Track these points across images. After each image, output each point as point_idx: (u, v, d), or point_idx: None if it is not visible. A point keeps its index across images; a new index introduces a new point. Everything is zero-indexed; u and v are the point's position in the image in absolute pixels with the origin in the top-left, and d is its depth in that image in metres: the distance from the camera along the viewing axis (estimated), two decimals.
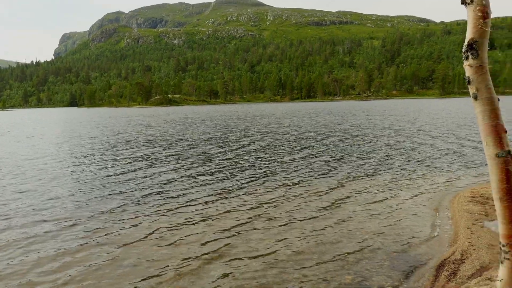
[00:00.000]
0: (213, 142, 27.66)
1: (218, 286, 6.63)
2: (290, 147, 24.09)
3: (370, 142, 25.94)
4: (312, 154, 20.98)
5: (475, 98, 2.53)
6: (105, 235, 9.12)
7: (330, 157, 19.82)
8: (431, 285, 6.64)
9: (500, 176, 2.43)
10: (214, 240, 8.63)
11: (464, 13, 2.75)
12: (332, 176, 15.28)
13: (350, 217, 10.06)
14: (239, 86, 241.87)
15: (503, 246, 2.45)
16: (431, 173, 15.49)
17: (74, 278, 6.98)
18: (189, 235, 8.99)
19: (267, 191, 12.92)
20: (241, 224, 9.70)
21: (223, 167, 17.58)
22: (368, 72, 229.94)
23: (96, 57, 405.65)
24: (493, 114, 2.48)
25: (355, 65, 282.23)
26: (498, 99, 2.51)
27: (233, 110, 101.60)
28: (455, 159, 18.36)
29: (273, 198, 12.01)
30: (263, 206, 11.17)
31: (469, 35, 2.57)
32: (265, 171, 16.43)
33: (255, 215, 10.37)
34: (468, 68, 2.57)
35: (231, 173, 16.26)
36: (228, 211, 10.77)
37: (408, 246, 8.13)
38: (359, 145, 24.57)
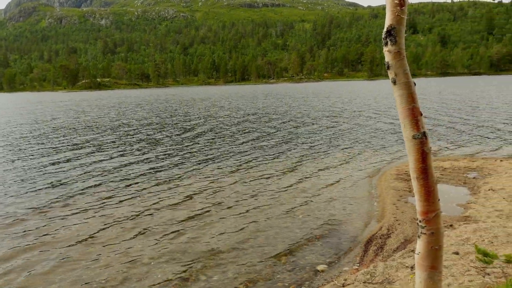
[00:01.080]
0: (154, 127, 26.95)
1: (158, 273, 6.54)
2: (234, 130, 24.08)
3: (304, 124, 26.57)
4: (256, 137, 21.12)
5: (394, 82, 2.64)
6: (44, 235, 8.63)
7: (266, 140, 20.07)
8: (361, 260, 7.00)
9: (416, 156, 2.57)
10: (161, 231, 8.48)
11: None
12: (266, 159, 15.50)
13: (281, 200, 10.28)
14: (172, 69, 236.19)
15: (420, 221, 2.61)
16: (362, 152, 16.20)
17: (12, 281, 6.57)
18: (133, 228, 8.76)
19: (213, 177, 12.86)
20: (187, 211, 9.60)
21: (168, 153, 17.22)
22: (301, 55, 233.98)
23: (15, 38, 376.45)
24: (410, 98, 2.60)
25: (288, 47, 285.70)
26: (415, 84, 2.64)
27: (169, 94, 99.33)
28: (383, 139, 19.33)
29: (217, 183, 11.98)
30: (208, 192, 11.11)
31: (387, 21, 2.66)
32: (210, 156, 16.32)
33: (200, 202, 10.30)
34: (387, 53, 2.66)
35: (178, 158, 15.97)
36: (178, 198, 10.61)
37: (339, 224, 8.49)
38: (294, 127, 25.09)
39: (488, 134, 19.79)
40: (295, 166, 13.93)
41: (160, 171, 13.71)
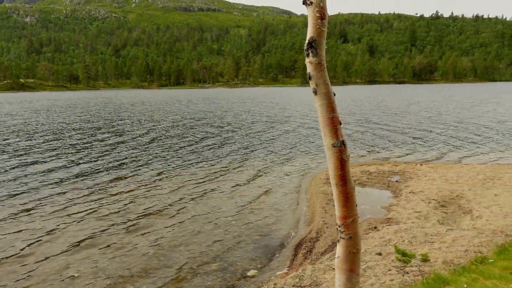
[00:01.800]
0: (87, 132, 25.73)
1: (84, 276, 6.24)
2: (169, 135, 23.60)
3: (239, 129, 26.70)
4: (191, 142, 20.85)
5: (315, 93, 2.72)
6: None
7: (201, 145, 19.93)
8: (290, 264, 7.15)
9: (336, 164, 2.68)
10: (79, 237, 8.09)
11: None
12: (200, 164, 15.39)
13: (214, 205, 10.26)
14: (103, 71, 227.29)
15: (339, 226, 2.71)
16: (293, 157, 16.57)
17: None
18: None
19: (145, 182, 12.50)
20: (119, 218, 9.25)
21: (100, 159, 16.50)
22: (236, 60, 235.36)
23: None
24: (330, 108, 2.69)
25: (223, 52, 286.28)
26: (334, 94, 2.74)
27: (100, 97, 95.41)
28: (313, 143, 19.91)
29: (149, 189, 11.67)
30: (139, 199, 10.78)
31: (309, 34, 2.75)
32: (143, 162, 15.86)
33: (122, 209, 9.97)
34: (309, 64, 2.75)
35: (111, 164, 15.35)
36: (111, 206, 10.18)
37: (270, 229, 8.61)
38: (229, 132, 25.12)
39: (410, 139, 21.05)
40: (227, 171, 13.95)
41: (92, 177, 13.15)
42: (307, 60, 2.76)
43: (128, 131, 25.80)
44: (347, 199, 2.72)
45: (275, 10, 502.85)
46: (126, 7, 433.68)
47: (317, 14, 2.72)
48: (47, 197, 10.94)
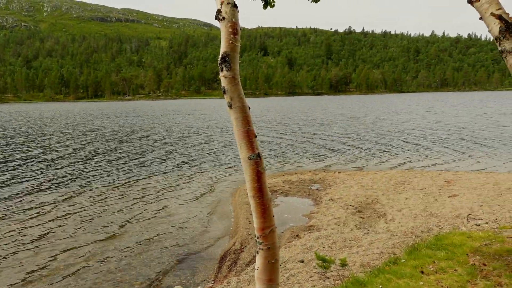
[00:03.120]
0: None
1: None
2: (89, 151, 22.41)
3: (162, 142, 26.16)
4: (114, 158, 19.97)
5: (230, 106, 2.75)
6: None
7: (125, 160, 19.22)
8: (215, 277, 7.09)
9: (252, 176, 2.72)
10: None
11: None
12: (122, 180, 14.84)
13: (138, 220, 9.94)
14: (12, 83, 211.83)
15: (257, 238, 2.74)
16: (217, 170, 16.54)
17: None
18: None
19: (65, 200, 11.72)
20: (35, 237, 8.55)
21: (20, 176, 15.20)
22: (157, 72, 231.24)
23: None
24: (245, 121, 2.74)
25: (144, 64, 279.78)
26: (249, 107, 2.78)
27: (15, 111, 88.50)
28: (235, 155, 20.05)
29: (68, 208, 10.96)
30: (62, 217, 10.08)
31: (222, 48, 2.78)
32: (64, 177, 14.87)
33: (51, 227, 9.27)
34: (223, 79, 2.77)
35: (32, 181, 14.18)
36: (28, 222, 9.36)
37: (195, 243, 8.49)
38: (152, 145, 24.51)
39: (327, 149, 21.99)
40: (151, 186, 13.59)
41: (27, 197, 12.11)
42: (221, 74, 2.79)
43: (56, 147, 24.21)
44: (264, 211, 2.77)
45: (196, 23, 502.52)
46: (37, 16, 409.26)
47: (230, 29, 2.76)
48: None
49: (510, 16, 2.62)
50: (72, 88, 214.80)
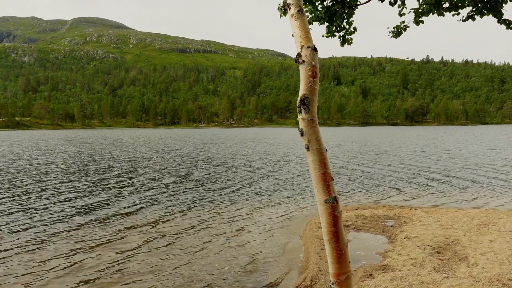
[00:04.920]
0: (86, 172, 25.59)
1: None
2: (163, 177, 23.51)
3: (239, 169, 26.69)
4: (193, 185, 20.76)
5: (307, 148, 2.76)
6: None
7: (201, 186, 19.84)
8: None
9: (328, 220, 2.68)
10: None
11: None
12: (194, 206, 15.27)
13: (207, 249, 10.09)
14: (98, 110, 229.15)
15: (332, 284, 2.68)
16: (289, 200, 16.48)
17: None
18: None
19: (138, 223, 12.33)
20: (100, 265, 9.05)
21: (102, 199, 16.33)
22: (231, 101, 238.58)
23: None
24: (322, 164, 2.72)
25: (219, 93, 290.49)
26: (326, 150, 2.77)
27: (106, 136, 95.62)
28: (308, 186, 19.87)
29: (141, 231, 11.50)
30: (128, 243, 10.60)
31: (301, 91, 2.82)
32: (141, 201, 15.70)
33: (117, 253, 9.77)
34: (301, 121, 2.80)
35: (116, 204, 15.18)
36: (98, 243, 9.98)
37: (264, 276, 8.44)
38: (228, 172, 25.09)
39: (404, 183, 21.11)
40: (219, 216, 13.81)
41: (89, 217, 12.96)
42: (299, 117, 2.82)
43: (138, 171, 25.72)
44: (340, 256, 2.71)
45: (270, 53, 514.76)
46: (123, 48, 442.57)
47: (309, 73, 2.81)
48: (61, 231, 10.74)
49: None
50: (152, 115, 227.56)
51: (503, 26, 4.96)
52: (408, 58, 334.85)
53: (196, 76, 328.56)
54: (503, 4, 4.79)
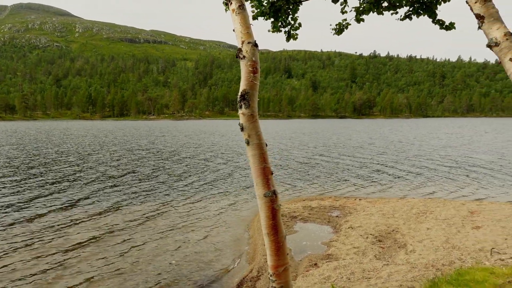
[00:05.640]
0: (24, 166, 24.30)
1: None
2: (108, 170, 22.82)
3: (186, 163, 26.40)
4: (136, 178, 20.27)
5: (248, 143, 2.79)
6: None
7: (146, 180, 19.47)
8: None
9: (267, 214, 2.73)
10: None
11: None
12: (141, 200, 15.00)
13: (153, 244, 9.97)
14: (42, 101, 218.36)
15: (271, 276, 2.74)
16: (238, 192, 16.55)
17: None
18: None
19: (82, 216, 11.92)
20: (45, 258, 8.70)
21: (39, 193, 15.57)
22: (182, 92, 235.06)
23: None
24: (262, 158, 2.77)
25: (170, 84, 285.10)
26: (266, 145, 2.81)
27: (39, 129, 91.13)
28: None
29: (84, 224, 11.15)
30: (77, 233, 10.25)
31: (242, 86, 2.85)
32: (86, 195, 15.16)
33: (64, 245, 9.43)
34: (241, 116, 2.82)
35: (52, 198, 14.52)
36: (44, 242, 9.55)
37: (212, 269, 8.47)
38: (174, 166, 24.77)
39: (349, 174, 21.78)
40: (168, 208, 13.68)
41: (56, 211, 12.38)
42: (240, 112, 2.85)
43: (78, 166, 24.77)
44: (278, 249, 2.77)
45: (222, 45, 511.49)
46: (69, 37, 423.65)
47: (250, 68, 2.84)
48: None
49: None
50: (99, 106, 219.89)
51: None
52: (356, 52, 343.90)
53: (146, 67, 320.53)
54: (438, 5, 5.03)
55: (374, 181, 19.52)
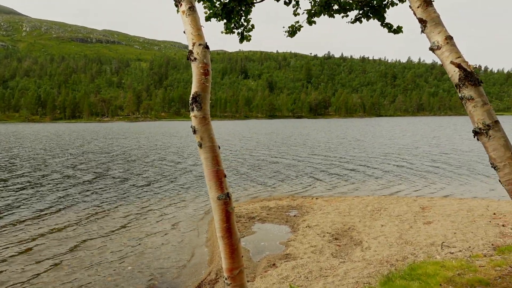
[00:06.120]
0: None
1: None
2: (64, 174, 21.95)
3: (140, 164, 25.87)
4: (89, 180, 19.61)
5: (200, 146, 2.77)
6: None
7: (102, 183, 18.90)
8: None
9: (221, 216, 2.72)
10: None
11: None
12: (94, 203, 14.56)
13: (108, 249, 9.72)
14: None
15: (226, 279, 2.73)
16: (198, 195, 16.41)
17: None
18: None
19: (33, 222, 11.39)
20: None
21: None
22: (137, 94, 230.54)
23: None
24: (215, 161, 2.75)
25: (124, 85, 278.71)
26: (219, 147, 2.80)
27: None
28: None
29: (37, 229, 10.66)
30: (26, 241, 9.78)
31: (194, 88, 2.82)
32: (36, 201, 14.48)
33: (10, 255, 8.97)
34: (193, 118, 2.80)
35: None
36: None
37: (169, 273, 8.34)
38: (129, 168, 24.21)
39: (306, 174, 22.11)
40: (123, 212, 13.36)
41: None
42: (191, 114, 2.82)
43: (25, 170, 23.67)
44: (233, 251, 2.76)
45: (177, 45, 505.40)
46: (15, 36, 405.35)
47: (201, 70, 2.82)
48: None
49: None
50: (49, 108, 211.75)
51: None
52: (311, 53, 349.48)
53: (99, 67, 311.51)
54: (386, 9, 5.20)
55: (330, 180, 19.92)
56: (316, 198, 15.34)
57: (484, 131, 2.74)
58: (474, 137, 2.85)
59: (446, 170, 22.56)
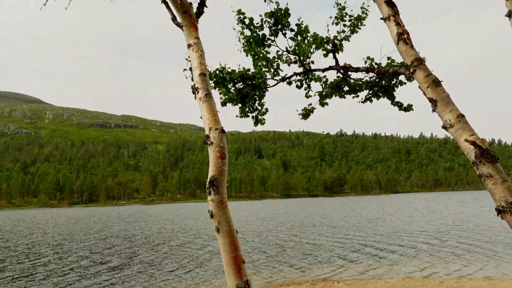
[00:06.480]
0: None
1: None
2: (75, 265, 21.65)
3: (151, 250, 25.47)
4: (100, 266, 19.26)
5: (218, 231, 2.73)
6: None
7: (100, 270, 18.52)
8: None
9: None
10: None
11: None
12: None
13: None
14: (7, 189, 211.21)
15: None
16: (211, 283, 15.92)
17: None
18: None
19: None
20: None
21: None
22: (153, 176, 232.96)
23: None
24: (233, 246, 2.70)
25: (140, 168, 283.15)
26: (237, 231, 2.76)
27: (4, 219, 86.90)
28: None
29: None
30: None
31: (210, 172, 2.85)
32: None
33: None
34: (211, 202, 2.79)
35: None
36: None
37: None
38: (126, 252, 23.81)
39: (328, 255, 21.42)
40: None
41: None
42: (209, 198, 2.83)
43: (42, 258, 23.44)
44: None
45: (193, 127, 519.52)
46: (38, 123, 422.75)
47: (218, 154, 2.87)
48: None
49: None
50: (67, 193, 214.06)
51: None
52: (323, 131, 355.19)
53: (117, 151, 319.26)
54: (395, 88, 5.35)
55: (352, 261, 19.20)
56: (338, 282, 14.70)
57: (507, 209, 2.67)
58: (498, 216, 2.78)
59: (473, 248, 21.66)
